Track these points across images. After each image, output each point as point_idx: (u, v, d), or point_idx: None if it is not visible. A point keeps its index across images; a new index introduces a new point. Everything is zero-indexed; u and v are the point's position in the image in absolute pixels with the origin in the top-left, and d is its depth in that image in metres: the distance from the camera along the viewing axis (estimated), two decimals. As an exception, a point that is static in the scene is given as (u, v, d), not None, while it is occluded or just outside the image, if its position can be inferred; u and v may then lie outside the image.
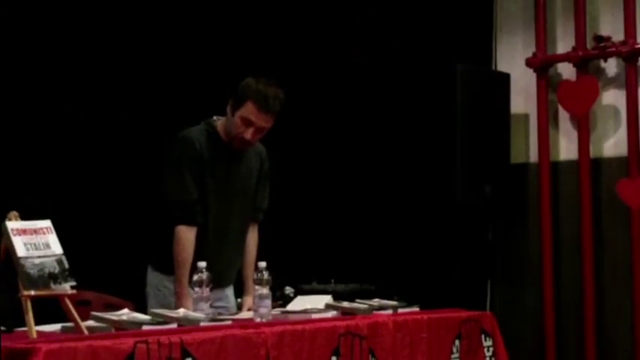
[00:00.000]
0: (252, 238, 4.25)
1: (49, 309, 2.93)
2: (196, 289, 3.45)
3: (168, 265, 4.00)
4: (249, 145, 4.03)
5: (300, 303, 4.02)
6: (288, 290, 5.03)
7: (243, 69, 4.14)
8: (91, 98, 5.34)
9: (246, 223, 4.19)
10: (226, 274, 4.13)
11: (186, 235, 3.90)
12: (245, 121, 3.91)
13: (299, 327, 3.33)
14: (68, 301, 2.85)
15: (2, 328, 3.05)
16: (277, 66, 5.56)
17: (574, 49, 5.74)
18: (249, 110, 3.89)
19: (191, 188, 3.94)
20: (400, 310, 3.94)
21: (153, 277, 4.10)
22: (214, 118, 4.10)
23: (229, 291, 4.21)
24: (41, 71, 5.06)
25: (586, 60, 5.73)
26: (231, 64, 5.49)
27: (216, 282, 3.71)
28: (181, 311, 3.35)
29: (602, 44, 5.64)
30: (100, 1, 5.28)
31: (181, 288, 3.86)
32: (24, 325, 2.80)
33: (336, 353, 3.39)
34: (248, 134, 3.93)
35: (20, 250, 2.79)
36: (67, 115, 5.22)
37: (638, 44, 5.56)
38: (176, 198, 3.95)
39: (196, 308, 3.42)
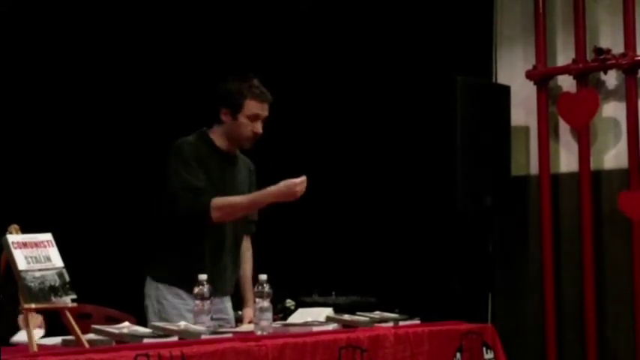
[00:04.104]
0: (248, 250, 4.29)
1: (50, 322, 2.92)
2: (197, 301, 3.45)
3: (167, 276, 4.01)
4: (256, 139, 4.12)
5: (301, 316, 4.01)
6: (289, 303, 5.03)
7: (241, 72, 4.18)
8: (91, 111, 5.35)
9: (241, 232, 4.22)
10: (224, 283, 4.13)
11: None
12: (252, 117, 4.07)
13: (300, 340, 3.32)
14: (69, 314, 2.84)
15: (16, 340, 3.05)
16: (274, 81, 5.58)
17: (574, 61, 5.75)
18: (252, 107, 4.06)
19: (200, 177, 3.98)
20: (401, 323, 3.93)
21: (152, 289, 4.10)
22: (204, 129, 4.16)
23: (227, 302, 4.21)
24: (37, 81, 5.07)
25: (586, 72, 5.74)
26: (230, 65, 5.50)
27: (215, 291, 3.72)
28: (182, 324, 3.35)
29: (602, 56, 5.65)
30: (100, 6, 5.30)
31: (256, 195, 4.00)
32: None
33: (338, 366, 3.39)
34: (259, 128, 4.09)
35: (21, 264, 2.78)
36: (66, 127, 5.23)
37: (638, 56, 5.56)
38: (188, 186, 3.94)
39: (197, 321, 3.42)
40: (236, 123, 4.07)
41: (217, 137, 4.13)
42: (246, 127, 4.07)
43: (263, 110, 4.08)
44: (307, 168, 6.11)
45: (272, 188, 3.93)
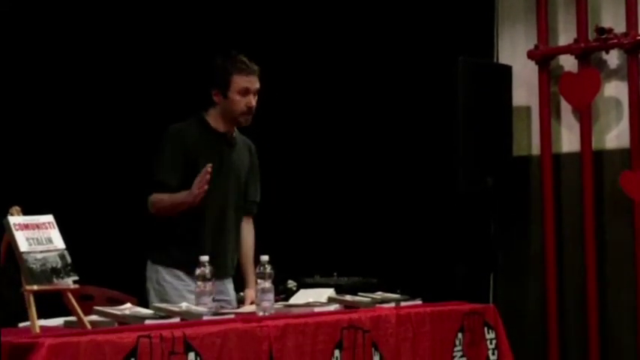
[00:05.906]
0: (249, 230, 4.30)
1: (52, 304, 2.93)
2: (199, 283, 3.45)
3: (167, 258, 4.03)
4: (252, 113, 4.13)
5: (303, 296, 4.02)
6: (291, 284, 5.04)
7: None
8: (92, 94, 5.35)
9: (240, 213, 4.23)
10: (225, 264, 4.15)
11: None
12: (243, 91, 4.09)
13: (302, 321, 3.33)
14: (71, 296, 2.85)
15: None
16: (277, 51, 5.58)
17: (576, 41, 5.73)
18: (240, 82, 4.08)
19: (172, 173, 4.02)
20: (403, 304, 3.94)
21: (152, 272, 4.11)
22: (201, 112, 4.20)
23: (229, 284, 4.23)
24: (41, 69, 5.07)
25: (588, 52, 5.72)
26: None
27: (217, 273, 3.73)
28: (184, 305, 3.35)
29: (604, 36, 5.62)
30: (98, 4, 5.30)
31: (181, 195, 3.94)
32: (27, 319, 2.80)
33: (339, 347, 3.39)
34: (252, 101, 4.10)
35: (23, 245, 2.78)
36: (68, 110, 5.22)
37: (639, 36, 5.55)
38: (155, 180, 4.05)
39: (199, 302, 3.42)
40: (228, 101, 4.10)
41: (213, 119, 4.16)
42: (239, 103, 4.09)
43: (252, 83, 4.10)
44: (309, 149, 6.14)
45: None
